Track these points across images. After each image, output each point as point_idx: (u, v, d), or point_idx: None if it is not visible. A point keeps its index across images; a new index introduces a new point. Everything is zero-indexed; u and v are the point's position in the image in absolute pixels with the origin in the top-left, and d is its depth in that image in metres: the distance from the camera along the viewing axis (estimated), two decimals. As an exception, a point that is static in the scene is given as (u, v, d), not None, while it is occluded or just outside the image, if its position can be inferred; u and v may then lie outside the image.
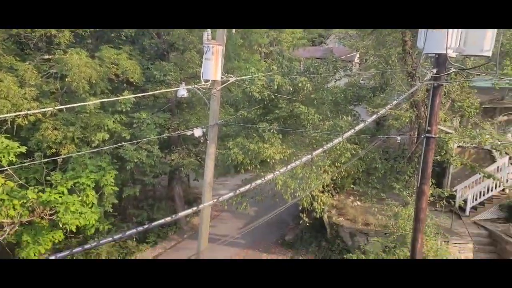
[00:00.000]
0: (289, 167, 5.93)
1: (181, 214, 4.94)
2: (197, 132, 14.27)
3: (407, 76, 13.79)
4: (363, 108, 18.18)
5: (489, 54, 6.35)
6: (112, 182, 15.99)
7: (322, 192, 15.86)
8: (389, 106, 7.67)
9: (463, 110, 13.67)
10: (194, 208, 4.94)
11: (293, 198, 13.81)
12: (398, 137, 10.17)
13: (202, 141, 20.93)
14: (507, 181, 16.00)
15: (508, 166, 15.98)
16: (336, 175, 15.02)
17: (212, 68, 11.40)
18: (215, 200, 5.84)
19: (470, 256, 13.77)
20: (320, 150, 6.64)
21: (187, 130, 16.72)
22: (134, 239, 20.14)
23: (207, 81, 11.58)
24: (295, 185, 14.34)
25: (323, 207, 15.51)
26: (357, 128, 6.42)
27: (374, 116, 6.44)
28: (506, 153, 13.95)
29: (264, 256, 18.10)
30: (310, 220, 17.12)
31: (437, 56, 7.01)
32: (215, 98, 12.15)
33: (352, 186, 19.09)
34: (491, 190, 16.00)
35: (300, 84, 15.70)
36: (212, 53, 11.27)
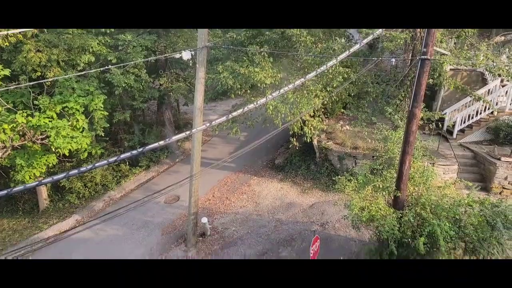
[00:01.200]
0: (281, 91, 5.84)
1: (174, 138, 4.93)
2: (186, 55, 13.83)
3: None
4: (355, 31, 17.65)
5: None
6: (101, 107, 15.84)
7: (313, 116, 15.91)
8: (385, 26, 7.39)
9: (459, 30, 13.32)
10: (187, 132, 4.92)
11: (283, 123, 13.85)
12: (393, 59, 9.97)
13: (190, 64, 20.52)
14: (496, 103, 16.10)
15: (499, 89, 16.00)
16: (327, 99, 14.95)
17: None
18: (207, 125, 5.80)
19: (454, 176, 14.25)
20: (313, 73, 6.51)
21: (175, 53, 16.22)
22: (127, 163, 20.43)
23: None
24: (286, 110, 14.32)
25: (314, 131, 15.66)
26: (352, 49, 6.26)
27: (370, 37, 6.23)
28: (499, 75, 13.83)
29: (254, 178, 18.56)
30: (300, 144, 17.37)
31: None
32: (204, 19, 11.63)
33: (342, 110, 19.14)
34: (480, 113, 16.18)
35: (292, 4, 15.02)
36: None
